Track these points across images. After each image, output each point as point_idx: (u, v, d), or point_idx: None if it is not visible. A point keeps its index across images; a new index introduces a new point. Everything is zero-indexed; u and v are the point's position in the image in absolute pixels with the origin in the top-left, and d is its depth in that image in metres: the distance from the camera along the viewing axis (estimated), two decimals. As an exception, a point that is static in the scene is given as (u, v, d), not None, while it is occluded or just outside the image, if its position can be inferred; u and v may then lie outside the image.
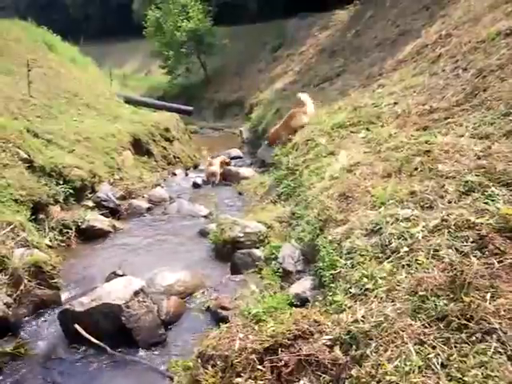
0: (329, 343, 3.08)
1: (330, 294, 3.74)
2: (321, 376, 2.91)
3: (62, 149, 8.38)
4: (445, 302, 2.77)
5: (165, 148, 12.15)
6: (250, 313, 3.68)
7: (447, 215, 3.51)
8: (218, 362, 3.23)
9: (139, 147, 10.98)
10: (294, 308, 3.85)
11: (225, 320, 4.07)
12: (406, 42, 10.47)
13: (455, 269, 2.94)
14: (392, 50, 10.82)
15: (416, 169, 4.61)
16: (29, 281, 5.02)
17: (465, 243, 3.19)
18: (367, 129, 6.87)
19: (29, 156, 7.09)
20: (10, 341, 4.41)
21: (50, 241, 6.53)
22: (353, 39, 15.08)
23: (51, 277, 5.23)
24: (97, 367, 4.15)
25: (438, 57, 7.92)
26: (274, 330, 3.27)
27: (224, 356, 3.22)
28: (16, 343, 4.36)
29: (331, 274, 3.99)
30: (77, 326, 4.38)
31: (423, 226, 3.58)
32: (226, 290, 5.11)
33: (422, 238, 3.47)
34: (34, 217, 6.41)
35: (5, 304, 4.53)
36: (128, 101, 15.13)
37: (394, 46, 11.22)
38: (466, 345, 2.50)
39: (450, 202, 3.78)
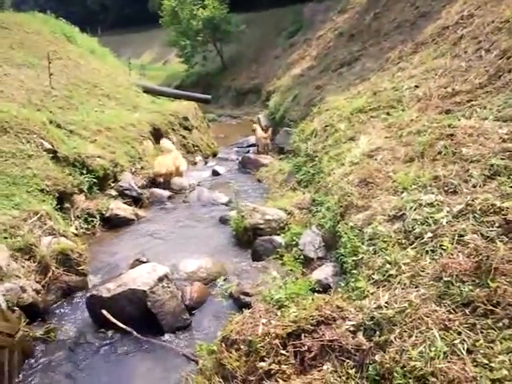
0: (352, 329, 3.09)
1: (353, 280, 3.75)
2: (344, 361, 2.93)
3: (84, 139, 8.49)
4: (470, 287, 2.75)
5: (184, 137, 12.20)
6: (272, 298, 3.70)
7: (472, 200, 3.46)
8: (242, 347, 3.27)
9: (159, 136, 11.04)
10: (316, 294, 3.86)
11: (247, 306, 4.10)
12: (427, 23, 10.21)
13: (481, 254, 2.91)
14: (412, 33, 10.58)
15: (439, 153, 4.54)
16: (56, 268, 5.18)
17: (490, 228, 3.15)
18: (388, 113, 6.77)
19: (52, 146, 7.21)
20: (39, 326, 4.55)
21: (76, 229, 6.69)
22: (371, 22, 14.75)
23: (78, 264, 5.38)
24: (123, 351, 4.26)
25: (460, 38, 7.72)
26: (296, 316, 3.29)
27: (248, 340, 3.26)
28: (45, 328, 4.50)
29: (353, 261, 3.99)
30: (104, 311, 4.50)
31: (447, 211, 3.54)
32: (247, 276, 5.16)
33: (447, 223, 3.43)
34: (59, 206, 6.56)
35: (34, 290, 4.67)
36: (146, 90, 15.17)
37: (414, 28, 10.96)
38: (493, 331, 2.48)
39: (474, 187, 3.73)
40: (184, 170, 10.26)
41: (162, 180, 9.24)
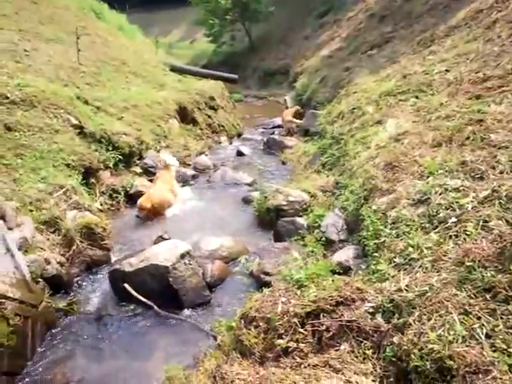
0: (371, 310, 3.10)
1: (374, 263, 3.73)
2: (362, 342, 2.95)
3: (111, 116, 8.58)
4: (492, 273, 2.72)
5: (209, 116, 12.19)
6: (292, 278, 3.72)
7: (498, 186, 3.40)
8: (261, 324, 3.31)
9: (185, 115, 11.07)
10: (336, 275, 3.87)
11: (267, 285, 4.13)
12: (460, 6, 9.90)
13: (505, 240, 2.86)
14: (445, 16, 10.28)
15: (467, 138, 4.45)
16: (81, 241, 5.29)
17: (516, 215, 3.09)
18: (417, 97, 6.63)
19: (79, 122, 7.29)
20: (62, 298, 4.69)
21: (101, 204, 6.80)
22: (403, 4, 14.40)
23: (102, 238, 5.47)
24: (144, 324, 4.37)
25: (494, 22, 7.47)
26: (316, 296, 3.31)
27: (266, 318, 3.30)
28: (68, 300, 4.64)
29: (375, 244, 3.97)
30: (126, 285, 4.60)
31: (473, 197, 3.49)
32: (268, 256, 5.17)
33: (472, 208, 3.38)
34: (85, 181, 6.66)
35: (58, 263, 4.79)
36: (173, 69, 15.18)
37: (447, 11, 10.64)
38: (513, 316, 2.46)
39: (501, 173, 3.65)
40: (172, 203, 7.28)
41: (143, 216, 6.79)
